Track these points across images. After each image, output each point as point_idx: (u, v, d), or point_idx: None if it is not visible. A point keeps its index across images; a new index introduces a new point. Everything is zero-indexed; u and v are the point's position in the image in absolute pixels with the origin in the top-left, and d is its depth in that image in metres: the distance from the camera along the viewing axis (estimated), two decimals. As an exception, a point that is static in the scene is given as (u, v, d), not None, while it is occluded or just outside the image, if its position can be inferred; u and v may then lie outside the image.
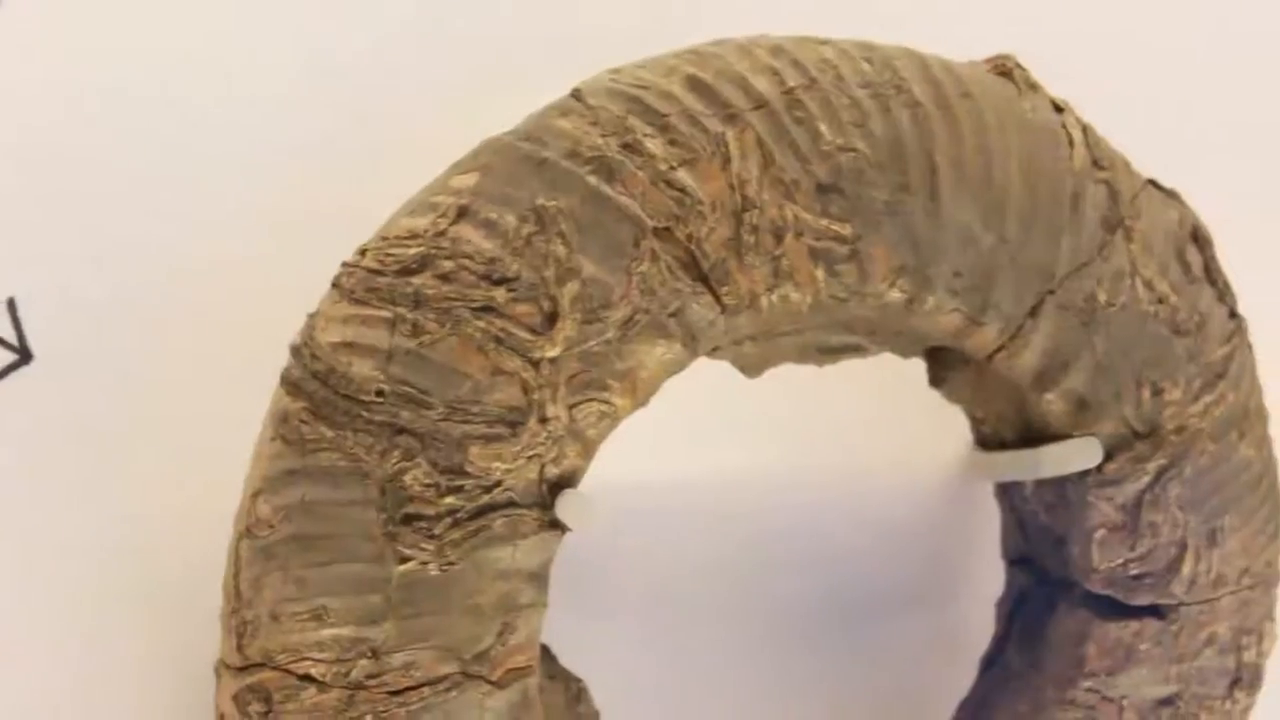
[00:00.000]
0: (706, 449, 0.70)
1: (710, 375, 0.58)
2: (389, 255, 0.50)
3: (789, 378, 0.62)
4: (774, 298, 0.52)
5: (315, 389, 0.49)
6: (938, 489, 0.72)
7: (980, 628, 0.68)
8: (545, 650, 0.55)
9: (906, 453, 0.72)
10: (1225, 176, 0.70)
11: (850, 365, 0.62)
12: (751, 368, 0.58)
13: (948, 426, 0.69)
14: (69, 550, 0.58)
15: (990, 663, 0.66)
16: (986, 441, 0.65)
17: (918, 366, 0.63)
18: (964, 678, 0.67)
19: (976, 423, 0.65)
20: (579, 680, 0.56)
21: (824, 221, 0.52)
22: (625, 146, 0.51)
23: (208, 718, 0.54)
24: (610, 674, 0.61)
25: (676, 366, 0.52)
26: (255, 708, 0.48)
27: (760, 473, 0.70)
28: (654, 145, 0.51)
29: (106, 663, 0.57)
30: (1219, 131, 0.77)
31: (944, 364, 0.62)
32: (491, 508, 0.48)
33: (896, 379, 0.66)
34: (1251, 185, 0.76)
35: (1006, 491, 0.66)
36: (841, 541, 0.71)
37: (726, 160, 0.51)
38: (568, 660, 0.56)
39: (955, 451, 0.70)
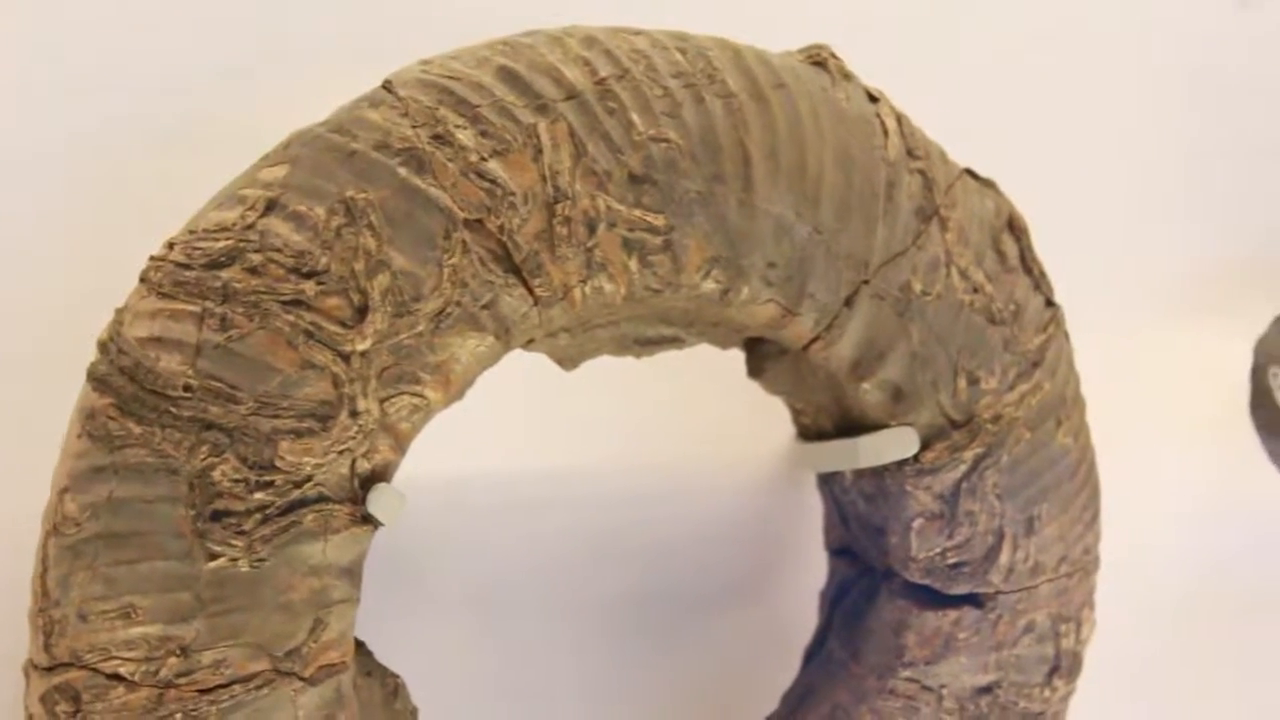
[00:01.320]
0: (530, 444, 0.72)
1: (534, 369, 0.60)
2: (197, 249, 0.51)
3: (613, 371, 0.64)
4: (587, 289, 0.54)
5: (123, 385, 0.50)
6: (761, 481, 0.74)
7: (804, 619, 0.71)
8: (360, 646, 0.57)
9: (731, 445, 0.74)
10: (1041, 166, 0.73)
11: (676, 357, 0.65)
12: (568, 360, 0.61)
13: (772, 418, 0.70)
14: None
15: (813, 653, 0.69)
16: (806, 432, 0.68)
17: (740, 356, 0.66)
18: (789, 669, 0.70)
19: (796, 414, 0.68)
20: (396, 676, 0.58)
21: (637, 212, 0.54)
22: (436, 138, 0.52)
23: (18, 721, 0.55)
24: (431, 671, 0.63)
25: (490, 359, 0.54)
26: (63, 708, 0.49)
27: (584, 467, 0.72)
28: (465, 136, 0.53)
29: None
30: (1035, 121, 0.80)
31: (762, 355, 0.65)
32: (302, 503, 0.50)
33: (723, 371, 0.68)
34: (1067, 175, 0.79)
35: (827, 482, 0.69)
36: (666, 534, 0.74)
37: (538, 151, 0.53)
38: (388, 657, 0.58)
39: (779, 443, 0.72)
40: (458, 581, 0.70)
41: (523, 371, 0.61)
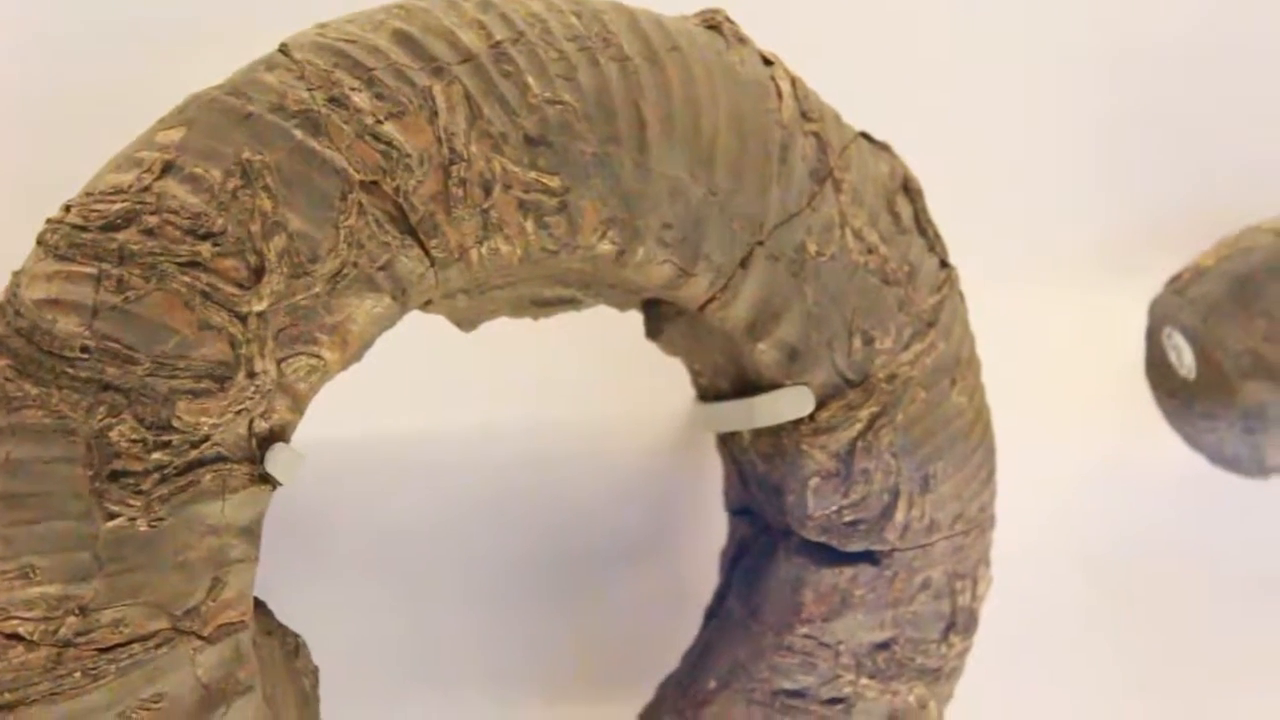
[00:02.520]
0: (432, 406, 0.73)
1: (436, 331, 0.61)
2: (94, 211, 0.52)
3: (515, 334, 0.65)
4: (484, 250, 0.55)
5: (20, 346, 0.50)
6: (662, 442, 0.75)
7: (705, 578, 0.72)
8: (261, 606, 0.57)
9: (631, 407, 0.75)
10: (940, 130, 0.74)
11: (577, 321, 0.65)
12: (466, 321, 0.61)
13: (672, 381, 0.72)
14: None
15: (713, 612, 0.70)
16: (705, 393, 0.69)
17: (639, 318, 0.67)
18: (690, 627, 0.71)
19: (695, 375, 0.69)
20: (296, 635, 0.59)
21: (532, 174, 0.55)
22: (331, 100, 0.53)
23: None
24: (334, 631, 0.63)
25: (387, 320, 0.54)
26: (-38, 668, 0.48)
27: (486, 429, 0.73)
28: (360, 99, 0.53)
29: None
30: (934, 85, 0.81)
31: (659, 316, 0.66)
32: (200, 463, 0.51)
33: (623, 334, 0.69)
34: (966, 138, 0.81)
35: (726, 443, 0.70)
36: (567, 496, 0.75)
37: (434, 114, 0.54)
38: (290, 618, 0.59)
39: (678, 405, 0.73)
40: (360, 543, 0.71)
41: (425, 334, 0.61)
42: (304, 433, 0.55)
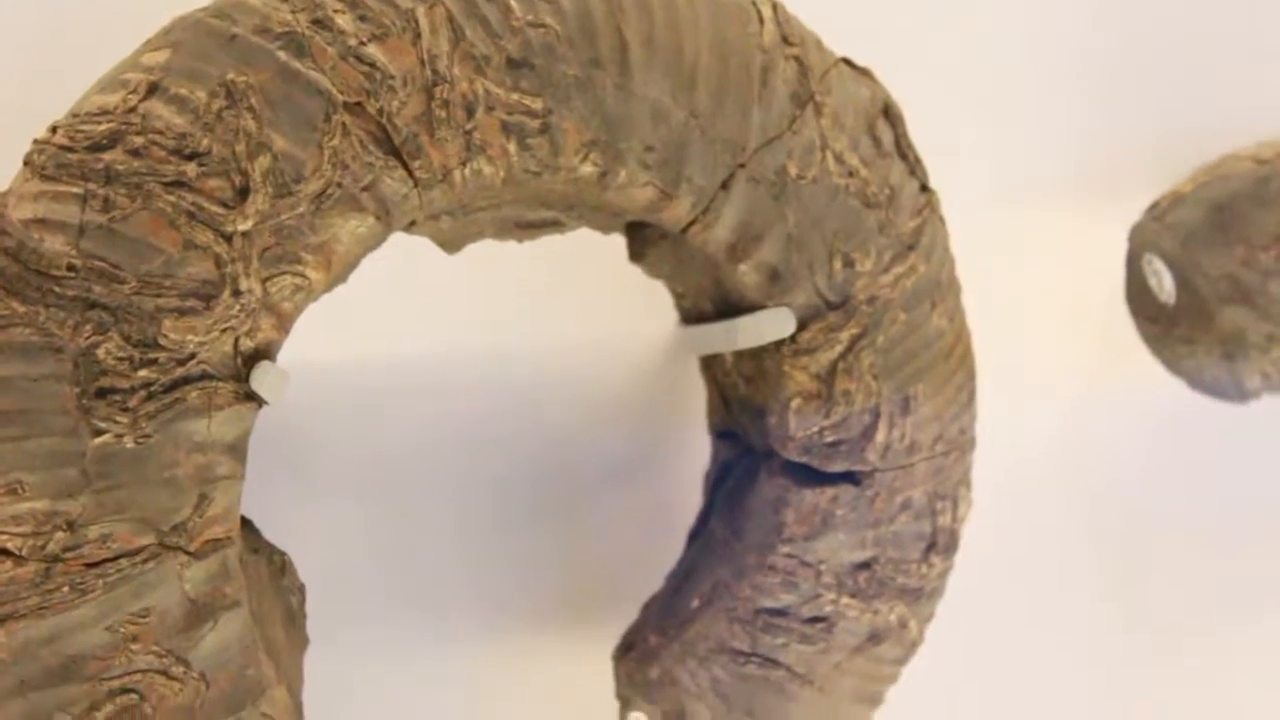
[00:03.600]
0: (418, 328, 0.73)
1: (421, 254, 0.61)
2: (80, 132, 0.52)
3: (499, 256, 0.65)
4: (467, 171, 0.55)
5: (6, 265, 0.51)
6: (645, 366, 0.75)
7: (688, 501, 0.73)
8: (248, 524, 0.58)
9: (615, 331, 0.76)
10: (921, 53, 0.75)
11: (562, 243, 0.66)
12: (450, 243, 0.62)
13: (655, 303, 0.72)
14: None
15: (696, 534, 0.71)
16: (688, 316, 0.70)
17: (623, 242, 0.67)
18: (673, 550, 0.72)
19: (678, 297, 0.70)
20: (283, 554, 0.60)
21: (515, 96, 0.56)
22: (315, 22, 0.54)
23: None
24: (321, 551, 0.64)
25: (372, 241, 0.55)
26: (-50, 586, 0.49)
27: (470, 351, 0.74)
28: (344, 21, 0.54)
29: None
30: (916, 8, 0.81)
31: (642, 239, 0.66)
32: (186, 380, 0.51)
33: (606, 256, 0.69)
34: (947, 62, 0.81)
35: (709, 365, 0.71)
36: (552, 419, 0.75)
37: (417, 35, 0.54)
38: (278, 538, 0.60)
39: (662, 329, 0.74)
40: (345, 465, 0.71)
41: (411, 256, 0.61)
42: (290, 356, 0.55)
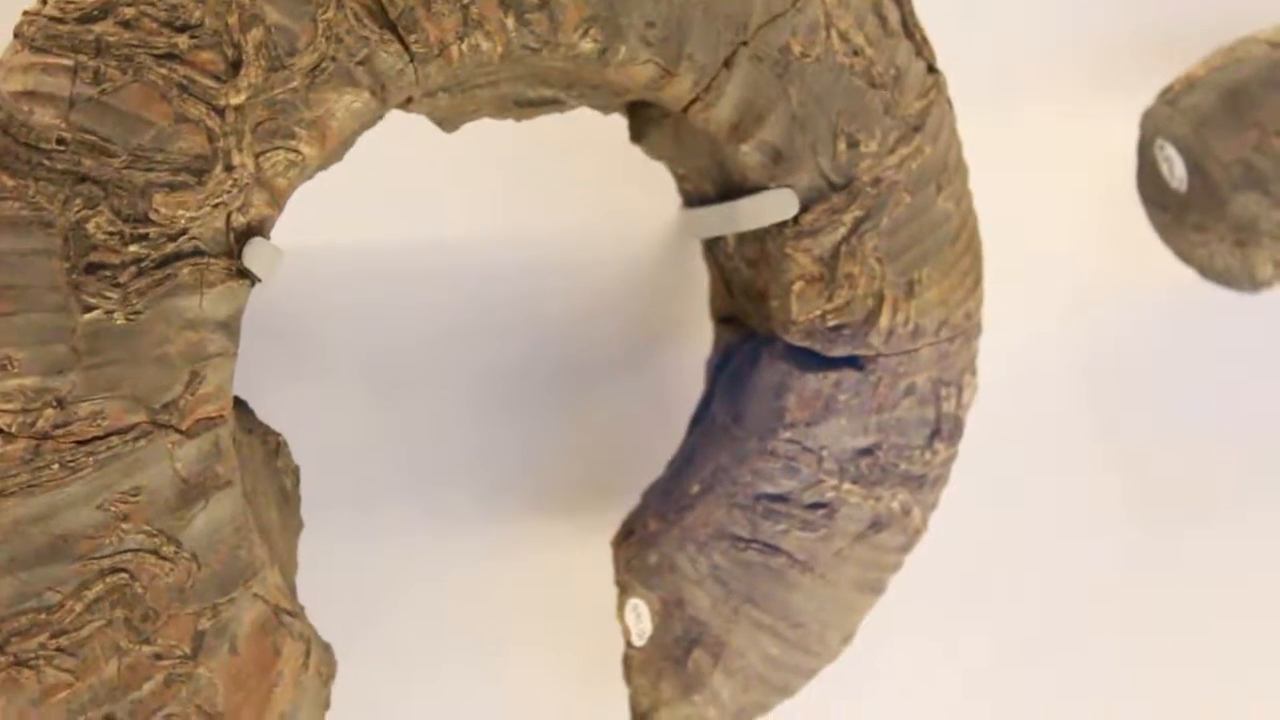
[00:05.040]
0: (420, 215, 0.73)
1: (421, 139, 0.61)
2: (70, 3, 0.51)
3: (501, 142, 0.65)
4: (464, 46, 0.54)
5: (-4, 138, 0.49)
6: (648, 252, 0.75)
7: (691, 388, 0.73)
8: (242, 405, 0.58)
9: (618, 216, 0.75)
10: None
11: (564, 129, 0.65)
12: (447, 121, 0.61)
13: (658, 190, 0.72)
14: None
15: (698, 419, 0.71)
16: (690, 199, 0.69)
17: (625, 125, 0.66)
18: (675, 436, 0.72)
19: (679, 179, 0.69)
20: (277, 435, 0.60)
21: (513, -31, 0.53)
22: (309, -108, 0.51)
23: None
24: (318, 435, 0.64)
25: (367, 116, 0.54)
26: (-60, 451, 0.49)
27: (473, 238, 0.73)
28: (338, -110, 0.52)
29: None
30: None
31: (644, 119, 0.66)
32: (177, 256, 0.51)
33: (609, 142, 0.69)
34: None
35: (712, 250, 0.70)
36: (555, 305, 0.75)
37: (413, -94, 0.52)
38: (275, 421, 0.60)
39: (665, 215, 0.73)
40: (344, 348, 0.71)
41: (409, 142, 0.61)
42: (287, 240, 0.55)
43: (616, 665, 0.68)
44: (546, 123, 0.63)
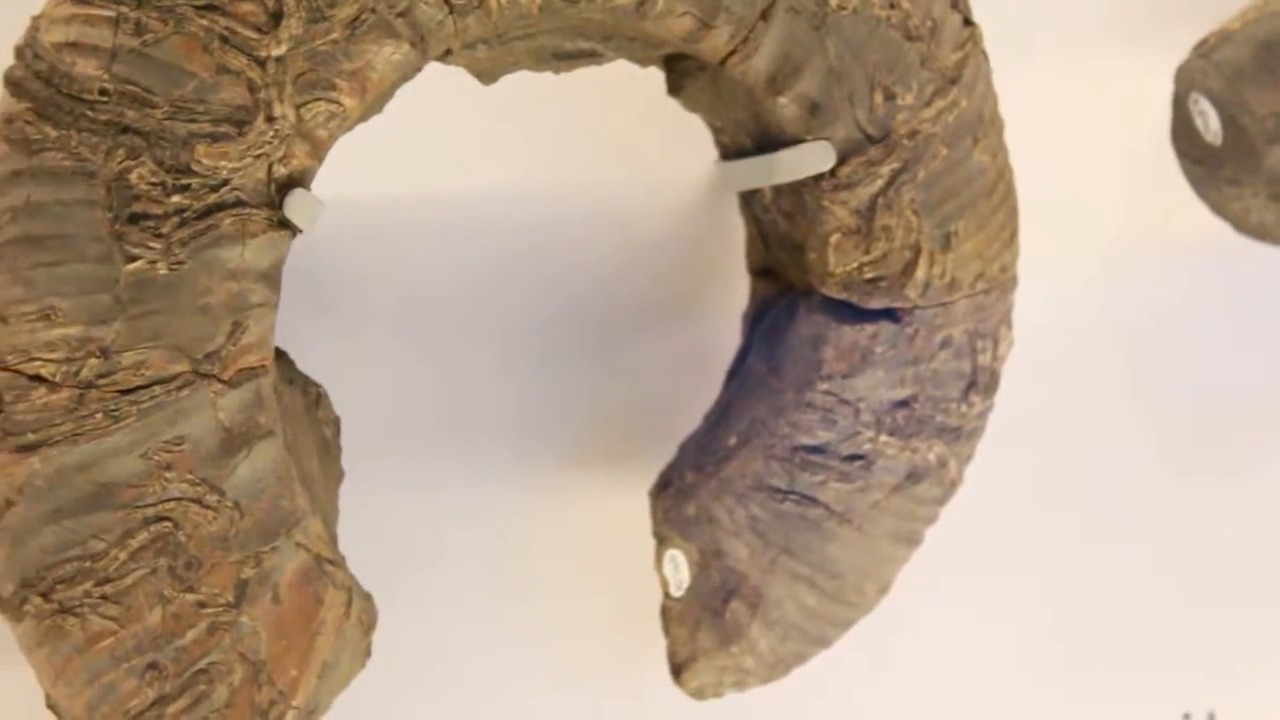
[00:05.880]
0: (457, 166, 0.73)
1: (461, 93, 0.61)
2: (111, -45, 0.50)
3: (539, 93, 0.65)
4: (502, -2, 0.53)
5: (39, 89, 0.51)
6: (685, 204, 0.75)
7: (727, 341, 0.72)
8: (282, 355, 0.58)
9: (654, 169, 0.75)
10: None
11: (601, 81, 0.65)
12: (485, 73, 0.61)
13: (694, 142, 0.71)
14: None
15: (734, 372, 0.71)
16: (726, 151, 0.69)
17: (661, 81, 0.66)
18: (712, 390, 0.72)
19: (716, 132, 0.69)
20: (318, 385, 0.60)
21: (551, -79, 0.53)
22: None
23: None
24: (358, 385, 0.64)
25: (407, 68, 0.54)
26: (-15, 408, 0.49)
27: (510, 189, 0.74)
28: None
29: None
30: None
31: (681, 72, 0.66)
32: (219, 207, 0.51)
33: (646, 95, 0.69)
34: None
35: (748, 203, 0.70)
36: (591, 257, 0.75)
37: None
38: (315, 371, 0.60)
39: (701, 168, 0.73)
40: (383, 300, 0.71)
41: (447, 95, 0.61)
42: (327, 191, 0.55)
43: (654, 616, 0.68)
44: (582, 75, 0.63)
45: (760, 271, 0.70)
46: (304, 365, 0.59)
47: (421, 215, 0.69)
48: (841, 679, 0.72)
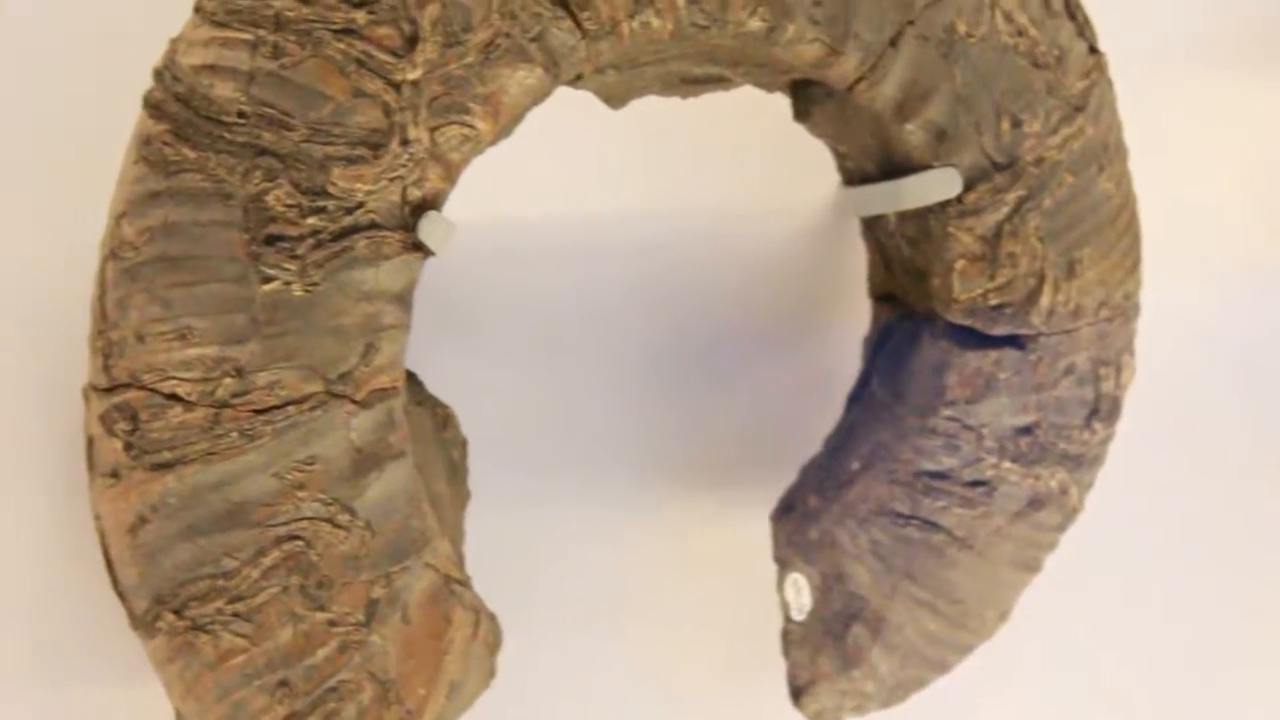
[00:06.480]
0: (581, 189, 0.72)
1: (586, 116, 0.60)
2: (249, -21, 0.50)
3: (664, 118, 0.64)
4: (635, 24, 0.54)
5: (177, 111, 0.50)
6: (807, 229, 0.74)
7: (847, 366, 0.71)
8: (411, 376, 0.58)
9: (778, 193, 0.74)
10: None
11: (725, 106, 0.64)
12: (615, 98, 0.60)
13: (817, 167, 0.70)
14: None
15: (856, 397, 0.70)
16: (851, 177, 0.68)
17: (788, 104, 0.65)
18: (832, 414, 0.71)
19: (841, 158, 0.68)
20: (446, 407, 0.59)
21: (684, -52, 0.52)
22: None
23: (80, 445, 0.55)
24: (483, 408, 0.63)
25: (539, 92, 0.54)
26: (122, 426, 0.50)
27: (635, 212, 0.72)
28: None
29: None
30: None
31: (808, 98, 0.65)
32: (354, 229, 0.51)
33: (770, 119, 0.68)
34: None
35: (871, 228, 0.69)
36: (714, 281, 0.74)
37: (586, -116, 0.51)
38: (440, 393, 0.59)
39: (824, 192, 0.72)
40: (511, 322, 0.71)
41: (576, 118, 0.61)
42: (455, 213, 0.54)
43: (773, 640, 0.68)
44: (707, 100, 0.62)
45: (882, 296, 0.69)
46: (429, 383, 0.58)
47: (547, 237, 0.69)
48: (958, 705, 0.71)
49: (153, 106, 0.50)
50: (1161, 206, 0.67)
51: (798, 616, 0.64)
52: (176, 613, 0.50)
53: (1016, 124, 0.59)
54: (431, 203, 0.52)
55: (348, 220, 0.50)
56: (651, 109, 0.61)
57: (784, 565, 0.65)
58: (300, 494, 0.50)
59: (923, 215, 0.63)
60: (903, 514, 0.62)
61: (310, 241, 0.50)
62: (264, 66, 0.50)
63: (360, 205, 0.50)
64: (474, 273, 0.66)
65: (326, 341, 0.50)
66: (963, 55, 0.58)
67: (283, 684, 0.49)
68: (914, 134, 0.59)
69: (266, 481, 0.50)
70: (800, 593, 0.64)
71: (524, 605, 0.65)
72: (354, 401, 0.51)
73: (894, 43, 0.57)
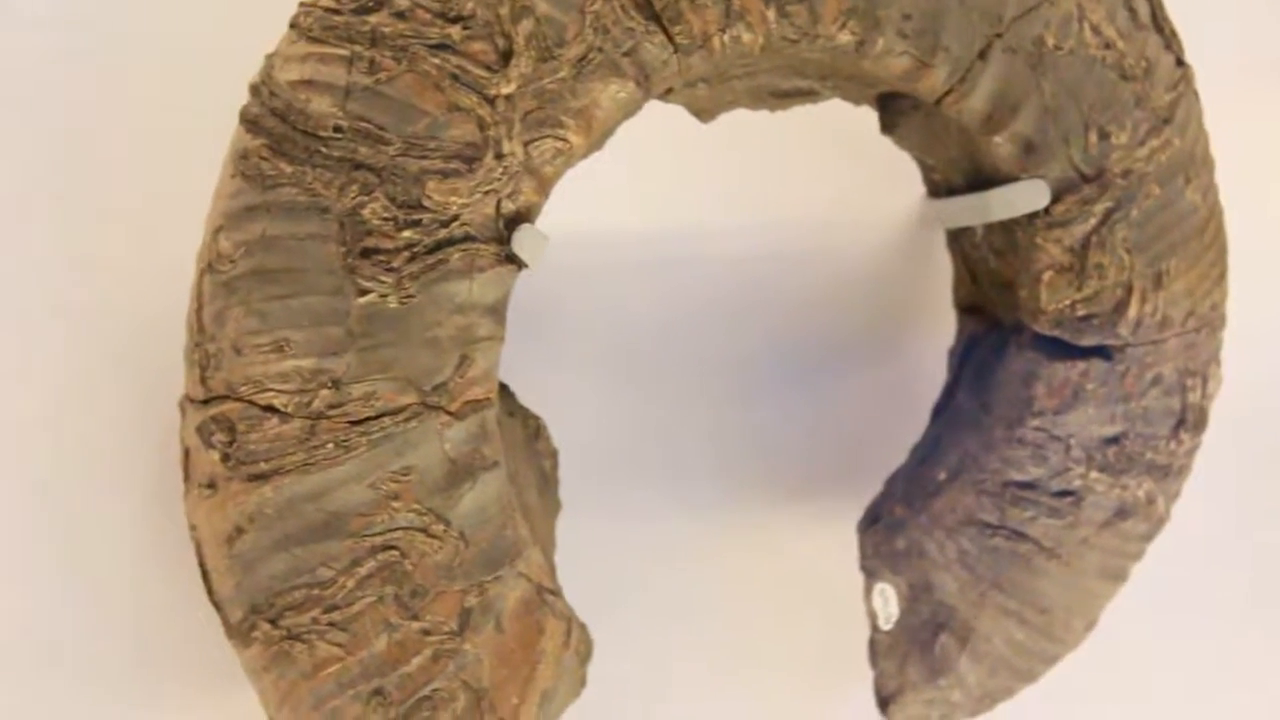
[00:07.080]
0: (668, 203, 0.71)
1: (674, 131, 0.60)
2: (345, -4, 0.49)
3: (750, 132, 0.63)
4: (726, 38, 0.53)
5: (274, 126, 0.50)
6: (892, 240, 0.73)
7: (933, 377, 0.70)
8: (504, 388, 0.57)
9: (863, 205, 0.73)
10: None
11: (811, 121, 0.63)
12: (704, 111, 0.60)
13: (901, 177, 0.69)
14: (41, 291, 0.59)
15: (941, 408, 0.69)
16: (937, 189, 0.67)
17: (872, 117, 0.64)
18: (917, 425, 0.70)
19: (927, 170, 0.67)
20: (538, 418, 0.58)
21: (774, -38, 0.52)
22: (576, -114, 0.50)
23: (175, 457, 0.55)
24: (573, 418, 0.63)
25: (631, 106, 0.53)
26: (219, 438, 0.49)
27: (720, 226, 0.72)
28: (604, -115, 0.50)
29: (77, 402, 0.59)
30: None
31: (895, 110, 0.64)
32: (449, 242, 0.50)
33: (855, 132, 0.67)
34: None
35: (957, 239, 0.68)
36: (799, 293, 0.73)
37: (678, -99, 0.51)
38: (531, 404, 0.59)
39: (909, 203, 0.71)
40: (599, 335, 0.70)
41: (664, 133, 0.60)
42: (546, 226, 0.53)
43: (860, 649, 0.67)
44: (793, 113, 0.62)
45: (967, 308, 0.68)
46: (520, 394, 0.57)
47: (634, 250, 0.68)
48: (1043, 715, 0.70)
49: (249, 121, 0.50)
50: (1247, 218, 0.65)
51: (885, 626, 0.63)
52: (272, 622, 0.49)
53: (1104, 136, 0.59)
54: (525, 215, 0.51)
55: (443, 233, 0.50)
56: (735, 122, 0.60)
57: (871, 575, 0.64)
58: (395, 504, 0.49)
59: (1010, 227, 0.62)
60: (990, 524, 0.62)
61: (405, 254, 0.49)
62: (360, 81, 0.49)
63: (455, 218, 0.50)
64: (563, 284, 0.65)
65: (421, 353, 0.50)
66: (1051, 67, 0.57)
67: (377, 693, 0.49)
68: (1002, 146, 0.59)
69: (362, 492, 0.49)
70: (888, 602, 0.63)
71: (613, 615, 0.64)
72: (448, 413, 0.50)
73: (982, 55, 0.57)
